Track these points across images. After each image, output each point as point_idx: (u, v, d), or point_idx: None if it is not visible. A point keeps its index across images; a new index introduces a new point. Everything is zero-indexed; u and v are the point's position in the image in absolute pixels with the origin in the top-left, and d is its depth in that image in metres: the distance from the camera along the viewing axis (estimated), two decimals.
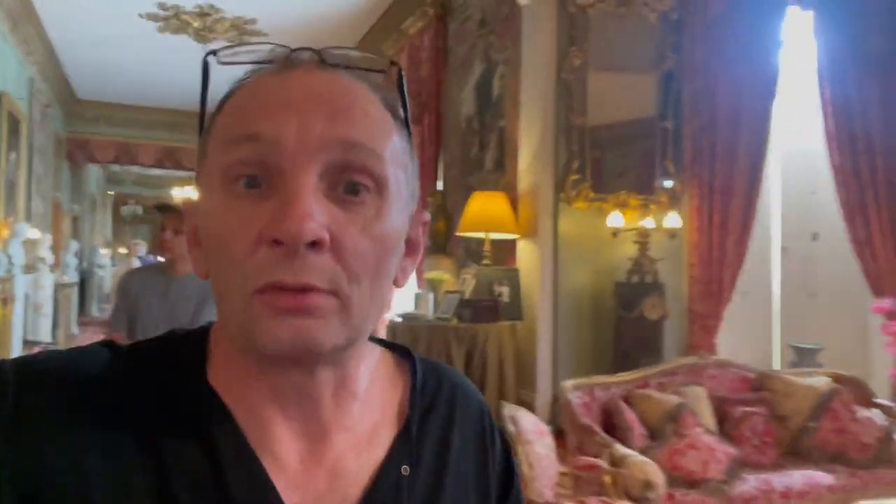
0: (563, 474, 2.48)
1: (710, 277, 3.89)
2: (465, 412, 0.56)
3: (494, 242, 3.93)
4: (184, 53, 6.82)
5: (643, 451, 2.56)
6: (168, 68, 7.67)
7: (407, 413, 0.52)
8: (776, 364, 4.27)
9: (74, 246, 9.74)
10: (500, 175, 4.20)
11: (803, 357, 4.09)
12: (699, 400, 2.85)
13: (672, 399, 2.76)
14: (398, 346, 0.57)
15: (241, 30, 6.52)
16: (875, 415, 3.03)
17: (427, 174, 4.93)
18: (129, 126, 9.88)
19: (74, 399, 0.44)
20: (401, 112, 0.49)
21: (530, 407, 3.07)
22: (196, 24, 6.43)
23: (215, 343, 0.49)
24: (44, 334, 6.84)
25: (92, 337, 8.73)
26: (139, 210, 16.32)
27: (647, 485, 2.37)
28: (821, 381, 3.10)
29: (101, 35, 6.80)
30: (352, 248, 0.43)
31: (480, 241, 3.97)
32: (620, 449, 2.52)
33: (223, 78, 0.48)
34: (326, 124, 0.43)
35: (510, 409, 2.39)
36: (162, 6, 6.15)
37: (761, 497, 2.61)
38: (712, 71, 3.91)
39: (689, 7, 3.99)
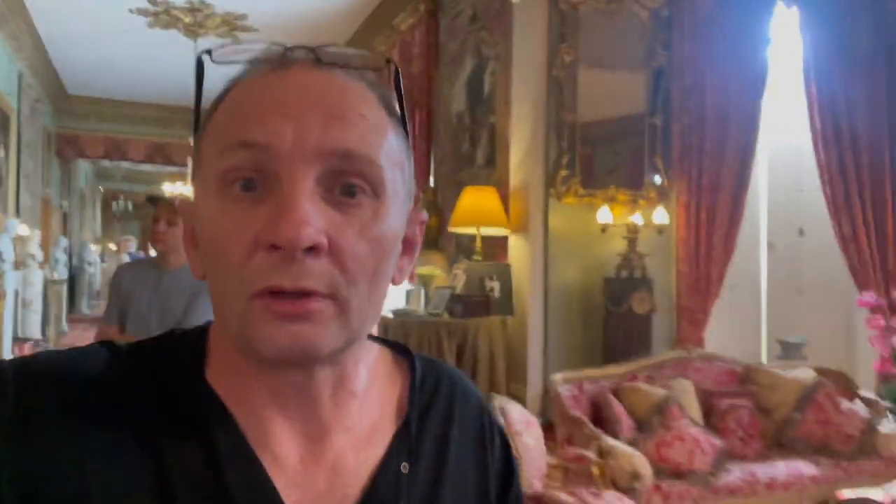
0: (552, 466, 2.51)
1: (698, 272, 3.94)
2: (464, 410, 0.56)
3: (485, 238, 3.95)
4: (174, 49, 6.80)
5: (631, 443, 2.59)
6: (158, 64, 7.64)
7: (406, 411, 0.52)
8: (763, 358, 4.32)
9: (64, 242, 9.69)
10: (491, 171, 4.22)
11: (789, 351, 4.14)
12: (686, 393, 2.89)
13: (659, 392, 2.80)
14: (397, 345, 0.57)
15: (232, 25, 6.51)
16: (858, 407, 3.08)
17: (418, 170, 4.95)
18: (119, 121, 9.83)
19: (74, 399, 0.44)
20: (397, 110, 0.48)
21: (521, 401, 3.10)
22: (186, 20, 6.41)
23: (214, 343, 0.49)
24: (34, 331, 6.82)
25: (82, 334, 8.69)
26: (129, 206, 16.24)
27: (635, 475, 2.41)
28: (805, 374, 3.15)
29: (91, 30, 6.76)
30: (350, 251, 0.43)
31: (472, 237, 3.99)
32: (608, 440, 2.56)
33: (217, 76, 0.48)
34: (322, 130, 0.43)
35: (499, 401, 2.42)
36: (152, 1, 6.12)
37: (746, 488, 2.66)
38: (701, 68, 3.95)
39: (679, 4, 4.03)
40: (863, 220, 3.58)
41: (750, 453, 2.84)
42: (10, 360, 0.45)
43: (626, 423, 2.70)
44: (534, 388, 3.70)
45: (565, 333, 3.85)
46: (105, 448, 0.43)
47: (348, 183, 0.43)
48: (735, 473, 2.68)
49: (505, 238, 3.99)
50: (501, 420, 2.29)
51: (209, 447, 0.45)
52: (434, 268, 4.36)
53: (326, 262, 0.42)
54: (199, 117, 0.48)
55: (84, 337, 8.32)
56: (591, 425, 2.67)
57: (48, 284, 7.54)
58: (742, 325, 4.41)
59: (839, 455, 2.90)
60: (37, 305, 6.89)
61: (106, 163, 12.56)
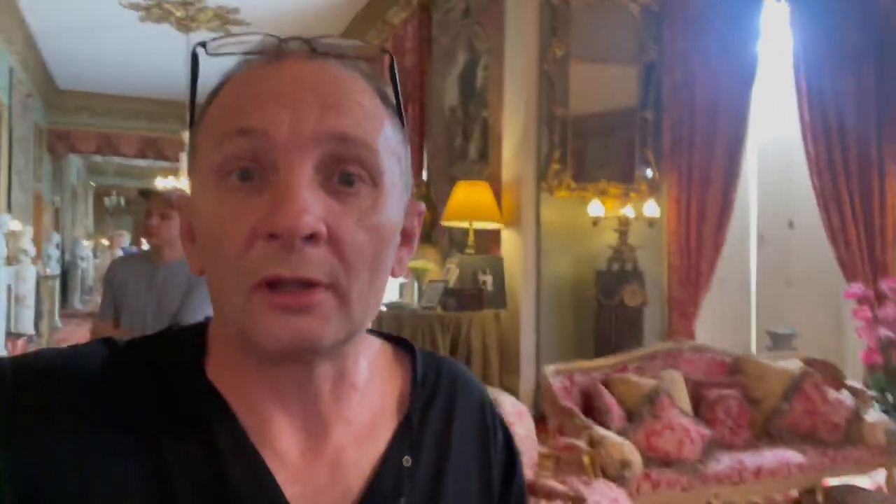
0: (544, 456, 2.55)
1: (689, 265, 3.98)
2: (466, 403, 0.56)
3: (478, 232, 3.98)
4: (166, 43, 6.77)
5: (621, 433, 2.63)
6: (150, 58, 7.61)
7: (407, 405, 0.52)
8: (753, 349, 4.37)
9: (56, 238, 9.66)
10: (483, 165, 4.24)
11: (779, 342, 4.19)
12: (676, 383, 2.93)
13: (649, 382, 2.84)
14: (398, 339, 0.56)
15: (224, 19, 6.48)
16: (845, 396, 3.13)
17: (411, 164, 4.96)
18: (111, 116, 9.79)
19: (74, 397, 0.44)
20: (393, 100, 0.48)
21: (514, 393, 3.13)
22: (178, 14, 6.39)
23: (213, 339, 0.49)
24: (27, 326, 6.81)
25: (75, 329, 8.67)
26: (121, 201, 16.17)
27: (624, 464, 2.45)
28: (793, 365, 3.19)
29: (83, 25, 6.73)
30: (349, 239, 0.42)
31: (464, 231, 4.02)
32: (599, 430, 2.60)
33: (211, 70, 0.48)
34: (319, 117, 0.43)
35: (492, 393, 2.45)
36: None
37: (734, 476, 2.70)
38: (692, 62, 3.98)
39: None
40: (851, 213, 3.62)
41: (738, 442, 2.88)
42: (10, 359, 0.45)
43: (616, 413, 2.74)
44: (526, 380, 3.74)
45: (557, 326, 3.88)
46: (105, 447, 0.43)
47: (346, 171, 0.43)
48: (723, 462, 2.72)
49: (498, 232, 4.02)
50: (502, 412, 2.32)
51: (209, 444, 0.44)
52: (427, 262, 4.38)
53: (326, 251, 0.42)
54: (193, 111, 0.48)
55: (77, 332, 8.30)
56: (581, 415, 2.70)
57: (41, 280, 7.53)
58: (732, 317, 4.46)
59: (826, 444, 2.95)
60: (29, 301, 6.88)
61: (98, 158, 12.49)
